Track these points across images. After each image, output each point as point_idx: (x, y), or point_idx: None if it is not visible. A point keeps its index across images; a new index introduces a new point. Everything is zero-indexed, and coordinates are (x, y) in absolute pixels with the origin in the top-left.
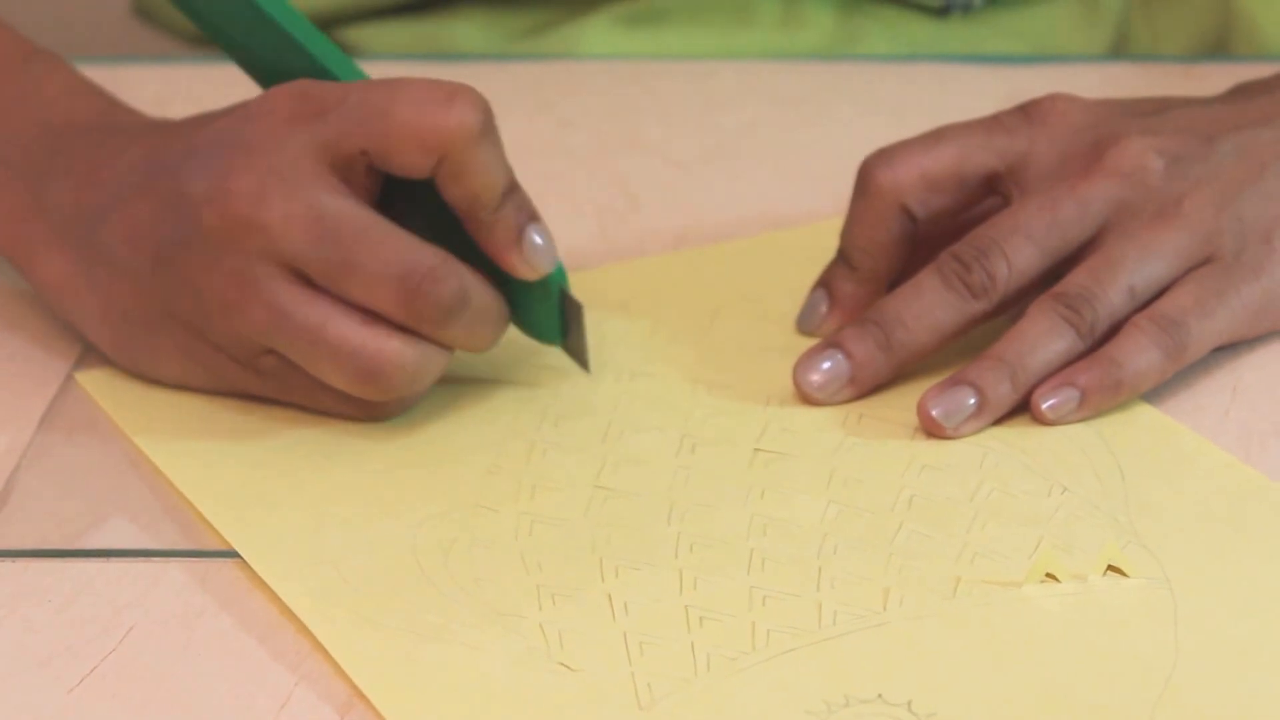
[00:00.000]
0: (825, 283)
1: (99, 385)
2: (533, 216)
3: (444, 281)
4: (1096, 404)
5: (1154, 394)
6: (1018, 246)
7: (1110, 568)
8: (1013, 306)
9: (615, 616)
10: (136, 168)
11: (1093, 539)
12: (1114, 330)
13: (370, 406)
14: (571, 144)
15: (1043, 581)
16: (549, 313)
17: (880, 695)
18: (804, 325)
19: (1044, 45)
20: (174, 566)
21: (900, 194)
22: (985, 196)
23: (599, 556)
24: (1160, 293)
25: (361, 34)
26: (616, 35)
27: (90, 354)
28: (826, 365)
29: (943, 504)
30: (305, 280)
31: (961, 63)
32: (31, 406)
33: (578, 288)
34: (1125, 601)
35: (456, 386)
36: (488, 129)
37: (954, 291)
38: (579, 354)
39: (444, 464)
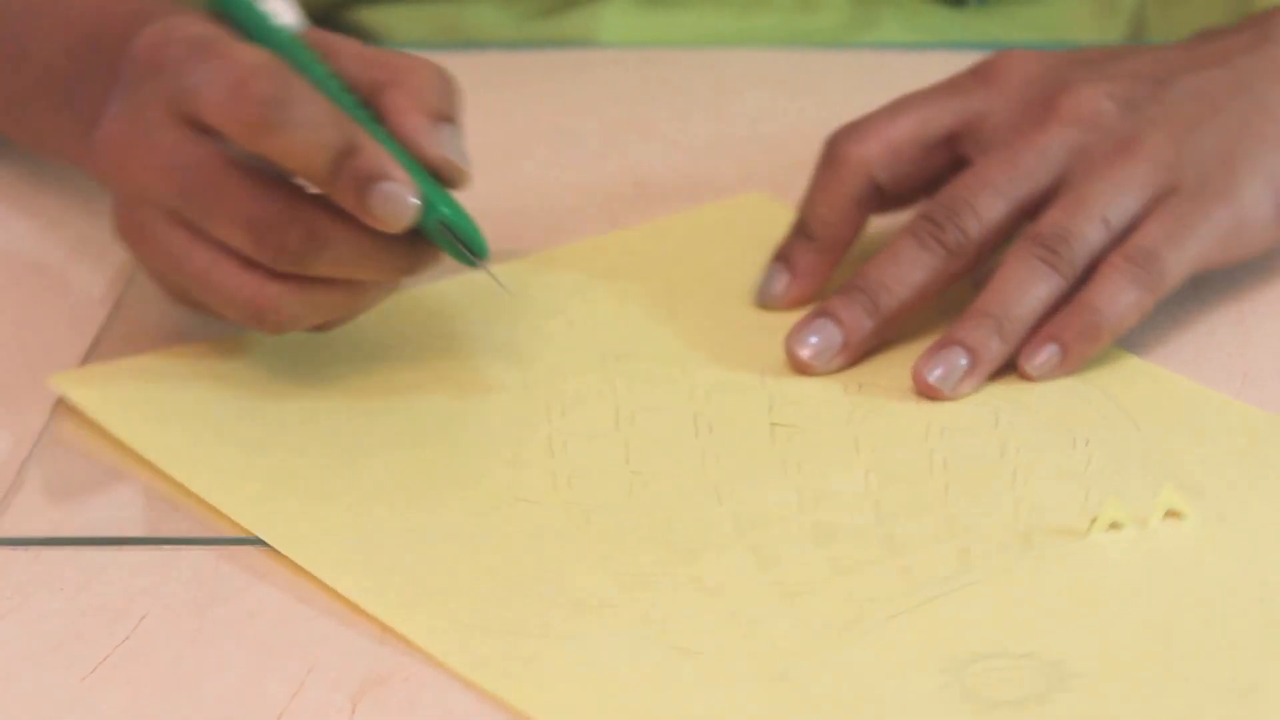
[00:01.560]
0: (784, 256)
1: (74, 387)
2: (372, 176)
3: (287, 229)
4: (1080, 353)
5: None
6: (986, 201)
7: (1170, 512)
8: (989, 258)
9: (710, 599)
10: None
11: (1137, 484)
12: (1094, 265)
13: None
14: (581, 132)
15: (1109, 530)
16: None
17: (1005, 649)
18: (764, 299)
19: (1059, 37)
20: (186, 554)
21: (868, 166)
22: (948, 159)
23: (666, 541)
24: (1132, 226)
25: (376, 17)
26: (633, 17)
27: (98, 347)
28: (819, 335)
29: (978, 462)
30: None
31: (973, 50)
32: (42, 395)
33: (526, 272)
34: (1194, 540)
35: (454, 379)
36: (273, 119)
37: (929, 251)
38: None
39: (464, 461)
